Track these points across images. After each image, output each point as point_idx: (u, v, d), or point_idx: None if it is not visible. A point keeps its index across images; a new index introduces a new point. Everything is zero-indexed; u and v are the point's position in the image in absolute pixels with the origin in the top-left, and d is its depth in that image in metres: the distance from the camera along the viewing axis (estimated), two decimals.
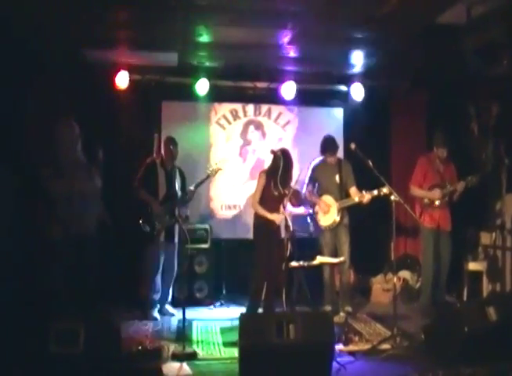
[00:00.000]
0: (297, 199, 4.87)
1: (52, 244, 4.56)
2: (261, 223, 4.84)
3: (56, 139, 4.58)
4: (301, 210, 5.00)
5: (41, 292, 4.58)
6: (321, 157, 5.43)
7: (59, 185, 4.49)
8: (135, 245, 5.34)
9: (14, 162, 5.12)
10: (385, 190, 4.72)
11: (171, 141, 5.32)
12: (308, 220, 4.88)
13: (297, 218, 5.44)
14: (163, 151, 5.34)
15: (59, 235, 4.50)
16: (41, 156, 4.83)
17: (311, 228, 5.44)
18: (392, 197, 4.52)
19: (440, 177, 5.36)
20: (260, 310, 4.81)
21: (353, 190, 5.29)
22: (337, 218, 5.24)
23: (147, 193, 5.17)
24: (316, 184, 5.43)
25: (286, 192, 4.77)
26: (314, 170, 5.44)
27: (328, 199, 5.31)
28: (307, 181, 5.47)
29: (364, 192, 5.03)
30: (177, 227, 5.25)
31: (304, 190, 5.48)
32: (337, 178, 5.33)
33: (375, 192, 4.91)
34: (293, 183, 4.86)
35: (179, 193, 5.29)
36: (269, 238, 4.80)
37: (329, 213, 5.28)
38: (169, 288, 5.36)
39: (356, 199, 5.12)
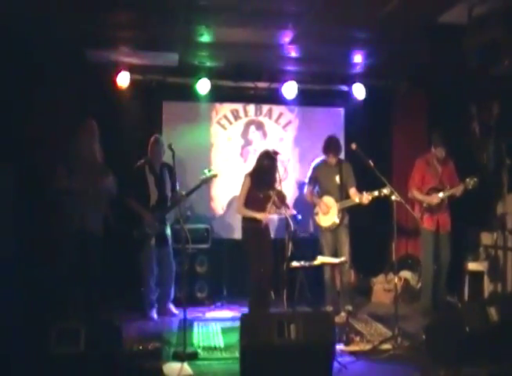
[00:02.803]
0: (281, 200, 4.85)
1: (56, 242, 4.58)
2: (249, 226, 4.86)
3: (76, 139, 4.60)
4: (283, 211, 4.89)
5: (42, 292, 4.59)
6: (322, 157, 5.42)
7: (73, 183, 4.51)
8: (132, 246, 5.35)
9: (20, 161, 5.13)
10: (385, 191, 4.71)
11: (158, 141, 5.22)
12: (290, 222, 4.70)
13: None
14: (149, 153, 5.26)
15: (64, 234, 4.52)
16: (51, 155, 4.84)
17: (295, 211, 5.28)
18: (393, 197, 4.53)
19: (438, 179, 5.37)
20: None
21: (353, 191, 5.27)
22: (337, 220, 5.23)
23: (136, 201, 5.14)
24: (316, 184, 5.43)
25: (271, 193, 4.76)
26: (314, 170, 5.43)
27: (328, 200, 5.30)
28: (307, 181, 5.47)
29: (365, 193, 5.01)
30: (168, 232, 5.27)
31: (304, 190, 5.49)
32: (338, 178, 5.32)
33: (375, 193, 4.90)
34: (277, 185, 4.81)
35: (169, 195, 5.23)
36: (259, 240, 4.82)
37: (329, 214, 5.27)
38: (169, 288, 5.36)
39: (356, 199, 5.10)
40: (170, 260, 5.31)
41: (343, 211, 5.26)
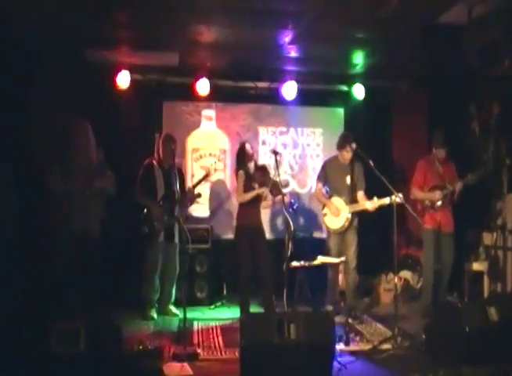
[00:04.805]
0: (277, 189, 4.89)
1: (56, 243, 4.58)
2: (243, 224, 4.92)
3: (71, 140, 4.61)
4: (280, 198, 4.86)
5: (43, 291, 4.59)
6: (334, 155, 5.34)
7: (69, 185, 4.52)
8: (135, 245, 5.35)
9: (19, 162, 5.14)
10: (398, 200, 4.56)
11: (171, 139, 5.24)
12: (290, 223, 4.70)
13: (298, 218, 5.44)
14: (160, 150, 5.26)
15: (65, 234, 4.52)
16: (49, 155, 4.86)
17: (292, 199, 5.27)
18: (393, 197, 4.52)
19: (440, 178, 5.35)
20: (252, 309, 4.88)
21: (360, 195, 5.17)
22: (347, 223, 5.12)
23: (146, 195, 5.16)
24: (327, 183, 5.31)
25: (264, 180, 4.92)
26: (325, 167, 5.33)
27: (338, 202, 5.17)
28: (317, 179, 5.40)
29: (375, 199, 4.86)
30: (177, 227, 5.22)
31: (314, 188, 5.40)
32: (348, 179, 5.20)
33: (387, 200, 4.68)
34: (272, 173, 4.93)
35: (178, 193, 5.26)
36: (252, 239, 4.84)
37: (338, 216, 5.16)
38: (172, 288, 5.35)
39: (367, 205, 4.97)
40: (174, 260, 5.29)
41: (353, 214, 5.15)
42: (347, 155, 5.16)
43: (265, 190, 4.89)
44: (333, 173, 5.28)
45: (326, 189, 5.35)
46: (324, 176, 5.32)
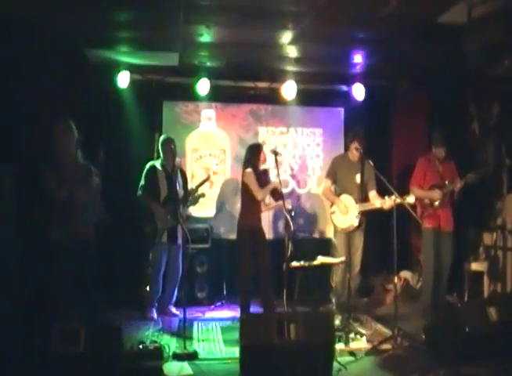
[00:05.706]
0: (279, 193, 4.87)
1: (52, 245, 4.57)
2: (246, 226, 4.89)
3: (54, 142, 4.59)
4: (281, 203, 4.86)
5: (42, 293, 4.59)
6: (343, 153, 5.30)
7: (59, 187, 4.51)
8: (136, 245, 5.34)
9: (15, 163, 5.13)
10: (410, 200, 4.52)
11: (170, 140, 5.23)
12: (290, 222, 4.58)
13: (297, 219, 5.42)
14: (162, 153, 5.28)
15: (60, 236, 4.51)
16: (42, 157, 4.85)
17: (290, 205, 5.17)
18: (393, 197, 4.52)
19: (439, 176, 5.32)
20: (252, 309, 4.89)
21: (373, 194, 5.10)
22: (356, 222, 5.05)
23: (149, 197, 5.17)
24: (335, 181, 5.26)
25: (269, 181, 4.94)
26: (334, 164, 5.28)
27: (347, 200, 5.11)
28: (325, 176, 5.35)
29: (386, 198, 4.75)
30: (179, 228, 5.18)
31: (322, 186, 5.35)
32: (358, 177, 5.12)
33: (398, 200, 4.57)
34: (275, 176, 4.88)
35: (181, 193, 5.27)
36: (254, 240, 4.85)
37: (347, 215, 5.08)
38: (174, 289, 5.35)
39: (377, 204, 4.90)
40: (177, 261, 5.27)
41: (361, 215, 5.07)
42: (354, 151, 5.11)
43: (277, 184, 4.81)
44: (342, 170, 5.21)
45: (334, 187, 5.28)
46: (333, 173, 5.25)
